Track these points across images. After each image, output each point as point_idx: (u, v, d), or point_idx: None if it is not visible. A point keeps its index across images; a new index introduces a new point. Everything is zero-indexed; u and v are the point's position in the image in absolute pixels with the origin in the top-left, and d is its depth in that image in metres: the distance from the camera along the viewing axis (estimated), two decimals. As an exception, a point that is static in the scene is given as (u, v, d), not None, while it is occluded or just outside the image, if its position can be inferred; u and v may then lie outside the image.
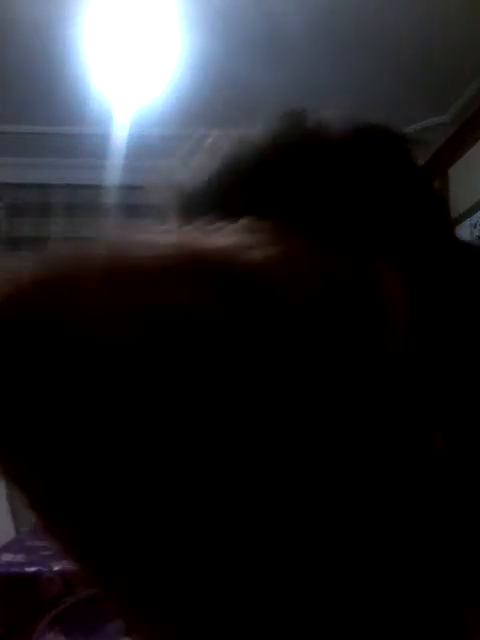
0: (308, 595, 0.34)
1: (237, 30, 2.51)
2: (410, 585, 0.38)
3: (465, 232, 2.40)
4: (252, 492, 0.31)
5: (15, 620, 1.75)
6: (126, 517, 0.31)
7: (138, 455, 0.28)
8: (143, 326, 0.25)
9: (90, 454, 0.28)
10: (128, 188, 3.66)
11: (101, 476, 0.29)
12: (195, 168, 0.46)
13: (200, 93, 2.93)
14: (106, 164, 3.34)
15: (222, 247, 0.29)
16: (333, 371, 0.33)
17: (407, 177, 0.45)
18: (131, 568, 0.35)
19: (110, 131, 3.10)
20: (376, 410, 0.38)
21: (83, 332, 0.25)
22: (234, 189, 0.42)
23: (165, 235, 0.29)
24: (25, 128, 3.28)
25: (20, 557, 1.96)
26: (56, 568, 1.80)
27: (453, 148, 2.63)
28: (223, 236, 0.30)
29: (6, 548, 2.11)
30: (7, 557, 1.96)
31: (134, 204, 3.79)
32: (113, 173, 3.40)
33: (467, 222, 2.40)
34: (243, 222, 0.33)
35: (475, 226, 2.35)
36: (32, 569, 1.81)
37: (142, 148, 3.29)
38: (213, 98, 3.02)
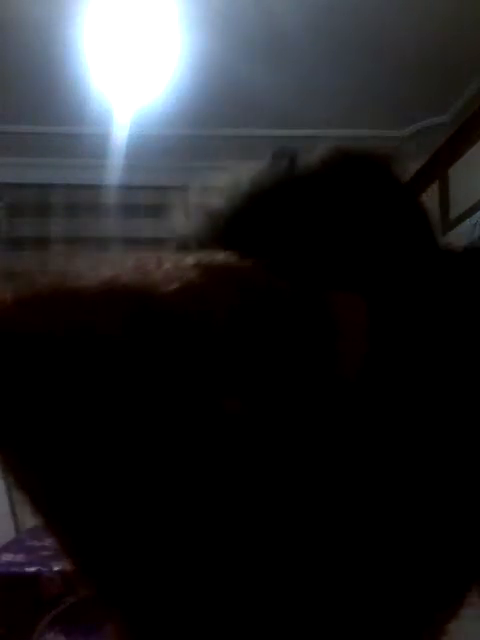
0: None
1: (237, 30, 2.51)
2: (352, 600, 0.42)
3: (465, 232, 2.40)
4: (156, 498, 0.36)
5: (15, 620, 1.75)
6: (99, 511, 0.37)
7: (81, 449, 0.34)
8: (66, 338, 0.32)
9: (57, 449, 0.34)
10: (128, 188, 3.67)
11: (73, 467, 0.35)
12: (185, 221, 0.52)
13: (200, 93, 2.93)
14: (106, 164, 3.34)
15: (143, 280, 0.35)
16: (256, 378, 0.39)
17: (382, 202, 0.47)
18: (107, 570, 0.41)
19: (110, 131, 3.11)
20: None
21: (36, 342, 0.32)
22: (218, 233, 0.47)
23: (107, 268, 0.36)
24: (25, 128, 3.28)
25: (20, 557, 1.96)
26: (56, 568, 1.80)
27: (453, 148, 2.63)
28: (157, 270, 0.37)
29: (6, 548, 2.11)
30: (7, 557, 1.96)
31: (134, 204, 3.80)
32: (113, 173, 3.40)
33: (467, 222, 2.39)
34: (194, 257, 0.39)
35: (475, 226, 2.34)
36: (32, 569, 1.81)
37: (142, 148, 3.29)
38: (213, 98, 3.03)
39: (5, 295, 0.33)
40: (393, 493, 0.43)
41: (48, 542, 2.21)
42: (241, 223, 0.47)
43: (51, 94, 2.95)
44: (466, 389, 0.44)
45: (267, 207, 0.47)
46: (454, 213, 2.62)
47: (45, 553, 2.02)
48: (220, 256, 0.39)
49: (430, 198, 2.86)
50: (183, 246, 0.50)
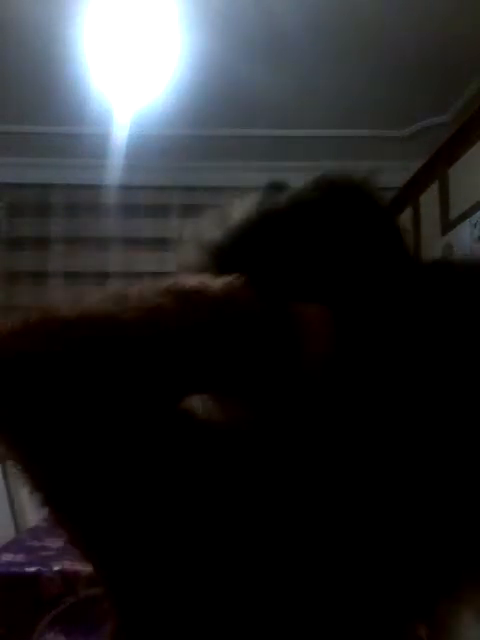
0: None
1: (237, 30, 2.51)
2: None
3: (465, 232, 2.40)
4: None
5: (15, 620, 1.75)
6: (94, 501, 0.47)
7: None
8: (47, 357, 0.43)
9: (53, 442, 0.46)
10: (128, 188, 3.67)
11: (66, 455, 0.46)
12: (185, 253, 0.59)
13: (200, 93, 2.93)
14: (106, 164, 3.34)
15: (112, 308, 0.45)
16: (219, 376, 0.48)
17: (358, 227, 0.54)
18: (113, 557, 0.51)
19: (110, 131, 3.10)
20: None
21: (25, 361, 0.44)
22: (213, 261, 0.56)
23: (90, 300, 0.46)
24: (25, 128, 3.28)
25: (20, 557, 1.96)
26: (56, 568, 1.80)
27: (453, 148, 2.62)
28: (131, 298, 0.46)
29: (6, 548, 2.11)
30: (7, 557, 1.96)
31: (134, 204, 3.80)
32: (113, 173, 3.40)
33: (467, 222, 2.39)
34: (167, 284, 0.48)
35: (475, 226, 2.34)
36: (32, 569, 1.81)
37: (142, 148, 3.29)
38: (213, 98, 3.02)
39: (3, 327, 0.45)
40: (359, 472, 0.49)
41: (48, 542, 2.21)
42: (231, 251, 0.55)
43: (51, 94, 2.95)
44: (425, 381, 0.49)
45: (253, 236, 0.55)
46: (454, 213, 2.62)
47: (45, 553, 2.02)
48: (193, 281, 0.48)
49: (430, 198, 2.86)
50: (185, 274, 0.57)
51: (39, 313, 0.45)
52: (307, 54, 2.67)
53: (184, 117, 3.12)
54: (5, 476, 2.82)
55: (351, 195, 0.55)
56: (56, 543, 2.17)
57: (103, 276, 3.74)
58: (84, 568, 1.80)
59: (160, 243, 3.79)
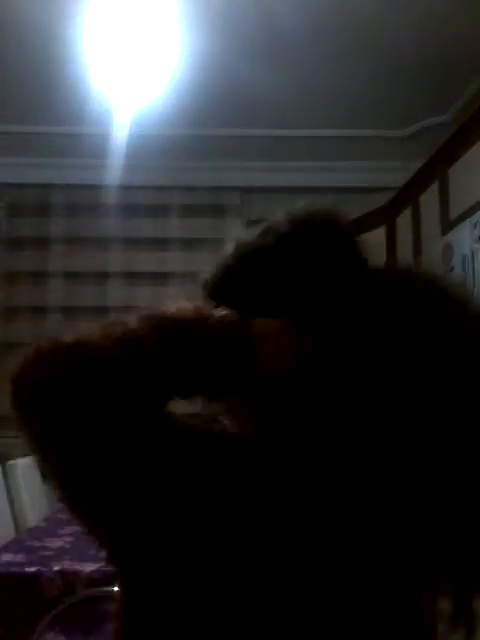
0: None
1: (237, 30, 2.51)
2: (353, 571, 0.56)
3: (465, 232, 2.40)
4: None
5: (15, 620, 1.75)
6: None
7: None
8: (52, 380, 0.57)
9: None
10: (128, 188, 3.67)
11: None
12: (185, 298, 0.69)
13: (200, 93, 2.93)
14: (106, 164, 3.34)
15: (100, 335, 0.59)
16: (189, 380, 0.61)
17: (324, 256, 0.65)
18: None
19: (110, 131, 3.11)
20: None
21: (38, 383, 0.58)
22: (207, 294, 0.71)
23: (86, 331, 0.60)
24: (25, 128, 3.28)
25: (20, 557, 1.96)
26: (56, 568, 1.80)
27: (453, 148, 2.62)
28: (116, 327, 0.60)
29: (6, 548, 2.11)
30: (7, 557, 1.96)
31: (134, 204, 3.80)
32: (113, 173, 3.40)
33: (467, 222, 2.39)
34: (145, 315, 0.61)
35: (475, 226, 2.34)
36: (32, 569, 1.81)
37: (142, 148, 3.29)
38: (213, 98, 3.03)
39: (26, 356, 0.59)
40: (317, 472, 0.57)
41: (48, 542, 2.21)
42: (220, 285, 0.69)
43: (51, 94, 2.95)
44: (382, 387, 0.57)
45: (237, 271, 0.69)
46: (454, 213, 2.62)
47: (45, 553, 2.02)
48: (171, 310, 0.61)
49: (430, 198, 2.86)
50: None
51: (49, 344, 0.59)
52: (307, 54, 2.67)
53: (184, 117, 3.12)
54: (5, 476, 2.82)
55: (319, 231, 0.68)
56: (56, 543, 2.17)
57: (103, 276, 3.74)
58: (84, 568, 1.81)
59: (160, 243, 3.79)
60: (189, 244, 3.75)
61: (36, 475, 3.04)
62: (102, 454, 0.57)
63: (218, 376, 0.61)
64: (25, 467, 2.90)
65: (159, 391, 0.60)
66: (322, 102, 3.06)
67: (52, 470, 0.60)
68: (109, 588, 1.67)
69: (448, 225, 2.64)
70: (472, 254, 2.34)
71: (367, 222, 3.49)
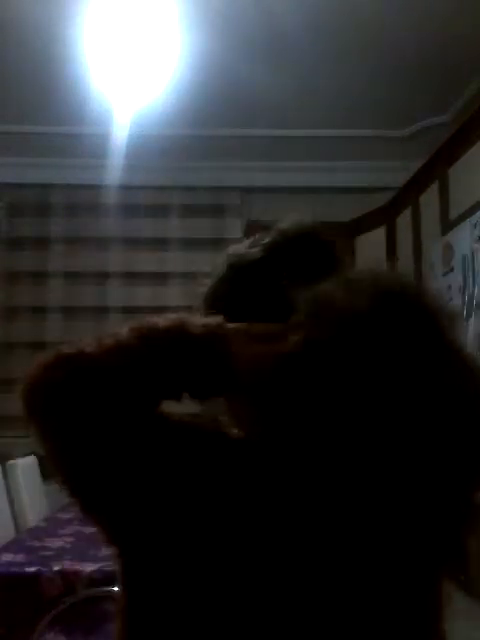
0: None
1: (237, 30, 2.51)
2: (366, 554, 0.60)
3: (465, 232, 2.40)
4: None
5: (15, 620, 1.75)
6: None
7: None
8: (58, 384, 0.65)
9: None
10: (128, 188, 3.67)
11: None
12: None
13: (200, 93, 2.93)
14: (106, 164, 3.34)
15: (93, 344, 0.66)
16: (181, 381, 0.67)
17: (310, 271, 0.71)
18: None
19: (110, 131, 3.11)
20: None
21: (46, 387, 0.66)
22: (205, 304, 0.79)
23: (85, 340, 0.67)
24: (25, 128, 3.28)
25: (20, 557, 1.96)
26: (56, 568, 1.80)
27: (453, 148, 2.63)
28: (108, 338, 0.67)
29: (6, 548, 2.11)
30: (7, 557, 1.96)
31: (134, 204, 3.80)
32: (113, 173, 3.40)
33: (467, 222, 2.39)
34: (133, 325, 0.68)
35: (475, 226, 2.34)
36: (32, 569, 1.81)
37: (142, 148, 3.29)
38: (213, 98, 3.03)
39: (33, 364, 0.66)
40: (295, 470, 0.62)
41: (48, 542, 2.21)
42: (215, 296, 0.77)
43: (51, 94, 2.95)
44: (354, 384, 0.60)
45: (228, 282, 0.77)
46: (454, 213, 2.62)
47: (45, 553, 2.02)
48: (158, 320, 0.67)
49: (430, 198, 2.86)
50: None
51: (54, 353, 0.66)
52: (307, 54, 2.67)
53: (184, 117, 3.12)
54: (5, 476, 2.82)
55: (300, 244, 0.77)
56: (56, 543, 2.17)
57: (103, 276, 3.74)
58: (84, 568, 1.81)
59: (160, 243, 3.79)
60: (189, 244, 3.75)
61: (36, 475, 3.05)
62: (101, 451, 0.64)
63: (198, 378, 0.66)
64: (25, 467, 2.91)
65: (148, 394, 0.66)
66: (322, 102, 3.06)
67: (59, 465, 0.67)
68: (109, 588, 1.67)
69: (448, 225, 2.64)
70: (472, 254, 2.34)
71: (367, 222, 3.49)
